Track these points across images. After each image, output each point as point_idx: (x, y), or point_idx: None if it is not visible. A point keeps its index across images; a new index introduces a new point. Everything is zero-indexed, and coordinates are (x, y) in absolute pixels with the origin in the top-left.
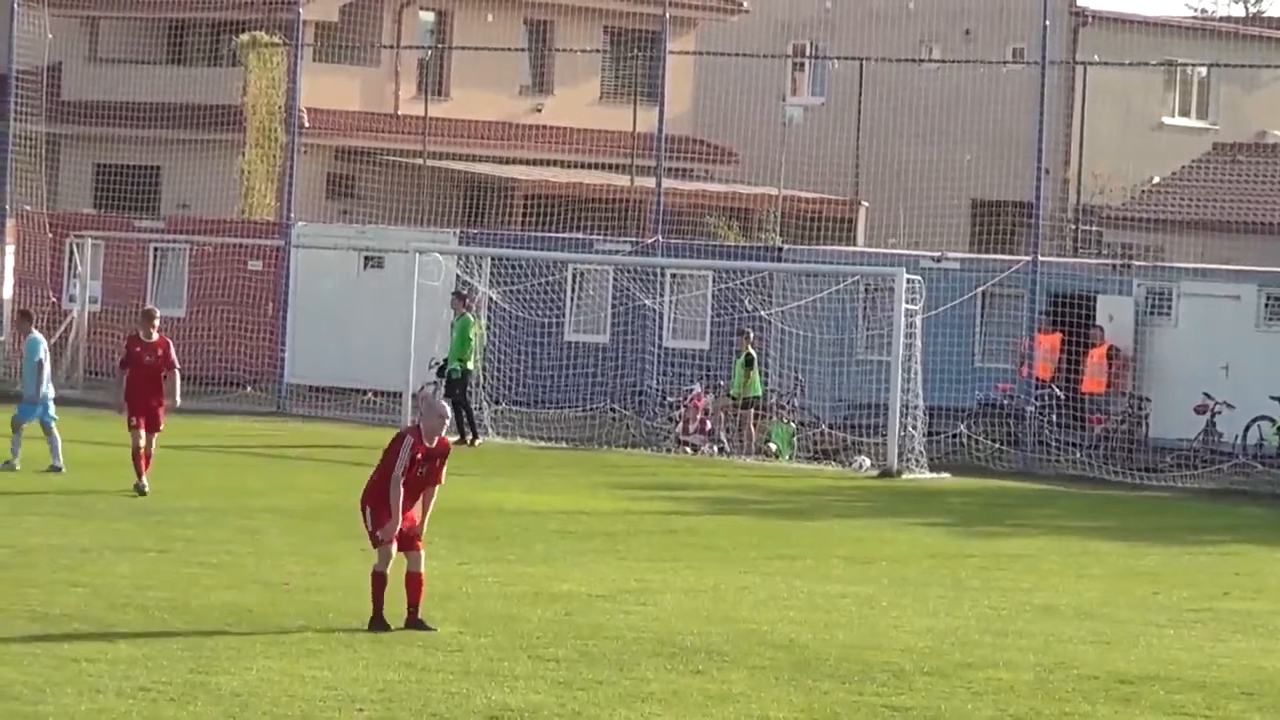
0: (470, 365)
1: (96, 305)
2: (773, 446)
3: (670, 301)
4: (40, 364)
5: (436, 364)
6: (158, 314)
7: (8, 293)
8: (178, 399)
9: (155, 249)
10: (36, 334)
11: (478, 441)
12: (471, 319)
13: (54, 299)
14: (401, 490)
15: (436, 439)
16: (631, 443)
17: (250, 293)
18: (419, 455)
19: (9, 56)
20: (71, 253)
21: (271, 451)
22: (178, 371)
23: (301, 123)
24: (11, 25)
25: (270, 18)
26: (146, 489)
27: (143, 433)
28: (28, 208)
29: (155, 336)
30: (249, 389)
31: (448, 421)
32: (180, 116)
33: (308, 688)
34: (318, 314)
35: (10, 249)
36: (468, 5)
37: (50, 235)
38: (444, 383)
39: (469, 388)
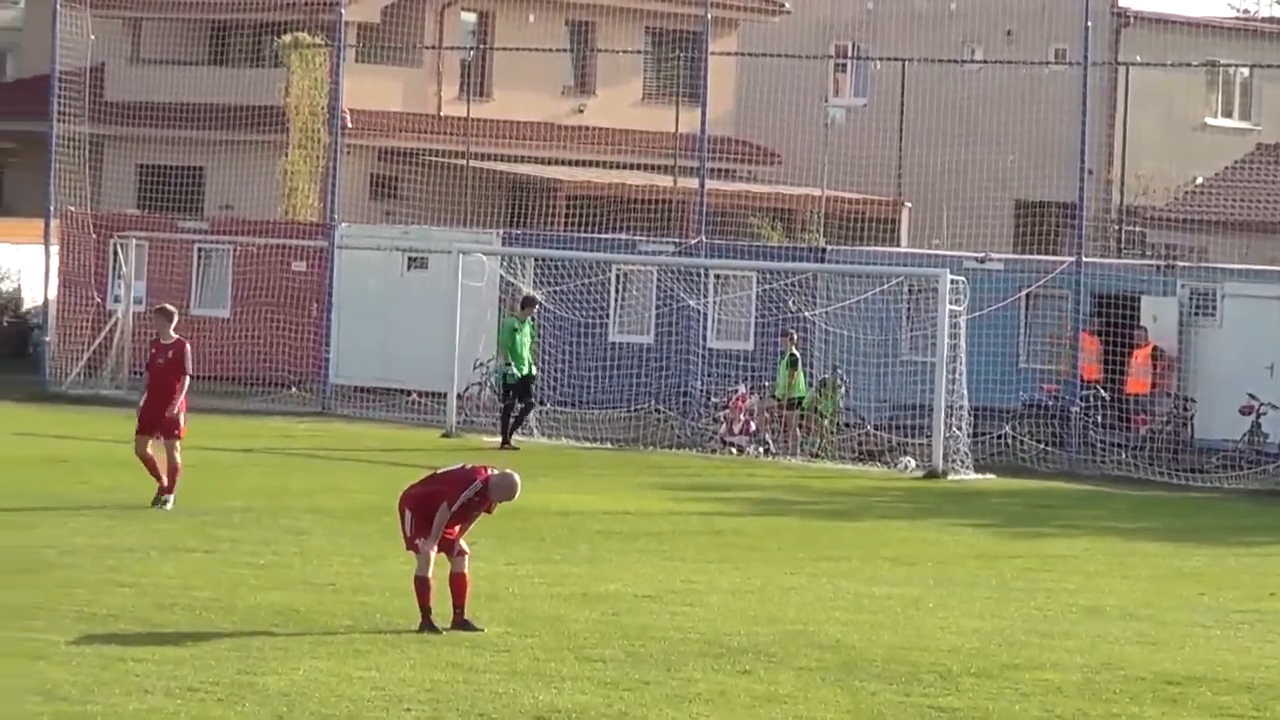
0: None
1: (141, 306)
2: (825, 423)
3: (714, 302)
4: None
5: (501, 370)
6: (175, 313)
7: (53, 293)
8: (174, 408)
9: (199, 249)
10: None
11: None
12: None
13: (98, 299)
14: (449, 516)
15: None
16: (676, 443)
17: (294, 293)
18: (476, 499)
19: (52, 58)
20: (115, 253)
21: (316, 452)
22: (188, 379)
23: (344, 123)
24: (54, 27)
25: (312, 19)
26: (168, 504)
27: (151, 441)
28: (72, 208)
29: (173, 338)
30: (293, 389)
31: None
32: (223, 117)
33: (355, 688)
34: (362, 314)
35: (55, 249)
36: (509, 6)
37: (94, 236)
38: (500, 384)
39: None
